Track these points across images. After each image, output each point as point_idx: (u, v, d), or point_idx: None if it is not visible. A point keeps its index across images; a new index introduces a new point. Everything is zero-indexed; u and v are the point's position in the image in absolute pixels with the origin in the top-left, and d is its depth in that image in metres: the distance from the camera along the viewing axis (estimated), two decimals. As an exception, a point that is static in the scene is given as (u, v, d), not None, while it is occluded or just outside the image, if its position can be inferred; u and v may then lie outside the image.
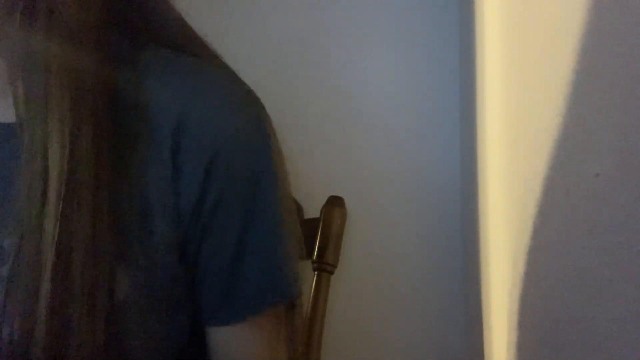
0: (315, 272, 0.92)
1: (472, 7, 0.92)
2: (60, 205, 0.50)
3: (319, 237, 0.93)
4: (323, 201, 0.96)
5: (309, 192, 0.96)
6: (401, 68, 1.05)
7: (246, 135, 0.58)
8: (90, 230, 0.51)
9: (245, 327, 0.59)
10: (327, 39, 1.05)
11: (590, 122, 0.49)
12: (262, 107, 0.60)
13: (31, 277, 0.50)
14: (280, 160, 0.60)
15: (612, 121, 0.45)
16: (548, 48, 0.59)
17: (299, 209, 0.93)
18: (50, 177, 0.50)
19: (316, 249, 0.93)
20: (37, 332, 0.49)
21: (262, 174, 0.58)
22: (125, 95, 0.55)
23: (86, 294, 0.50)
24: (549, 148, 0.57)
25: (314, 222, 0.94)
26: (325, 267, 0.92)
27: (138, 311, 0.54)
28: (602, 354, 0.47)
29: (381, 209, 1.05)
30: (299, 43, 1.05)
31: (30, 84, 0.51)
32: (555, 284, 0.58)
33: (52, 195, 0.50)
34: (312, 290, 0.92)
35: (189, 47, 0.61)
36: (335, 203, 0.95)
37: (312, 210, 0.94)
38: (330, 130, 1.05)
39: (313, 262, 0.93)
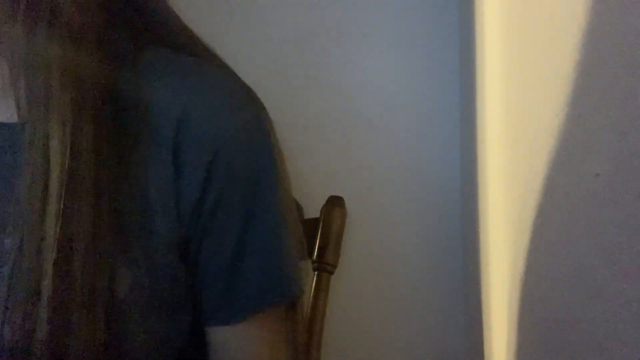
0: (315, 272, 0.92)
1: (472, 7, 0.92)
2: (61, 205, 0.50)
3: (319, 237, 0.93)
4: (323, 201, 0.96)
5: (309, 192, 0.96)
6: (401, 68, 1.05)
7: (246, 134, 0.58)
8: (91, 230, 0.51)
9: (245, 327, 0.59)
10: (327, 39, 1.05)
11: (590, 122, 0.49)
12: (262, 107, 0.61)
13: (32, 277, 0.50)
14: (280, 160, 0.60)
15: (612, 121, 0.45)
16: (548, 48, 0.59)
17: (299, 209, 0.92)
18: (51, 177, 0.50)
19: (316, 249, 0.93)
20: (38, 331, 0.49)
21: (263, 173, 0.58)
22: (126, 95, 0.55)
23: (87, 294, 0.51)
24: (549, 148, 0.57)
25: (314, 222, 0.94)
26: (325, 267, 0.92)
27: (138, 311, 0.54)
28: (602, 354, 0.47)
29: (381, 209, 1.05)
30: (299, 43, 1.05)
31: (32, 83, 0.51)
32: (555, 284, 0.58)
33: (53, 194, 0.50)
34: (312, 290, 0.92)
35: (188, 47, 0.61)
36: (335, 203, 0.95)
37: (312, 210, 0.94)
38: (330, 130, 1.05)
39: (313, 262, 0.93)
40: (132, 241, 0.54)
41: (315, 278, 0.92)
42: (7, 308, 0.50)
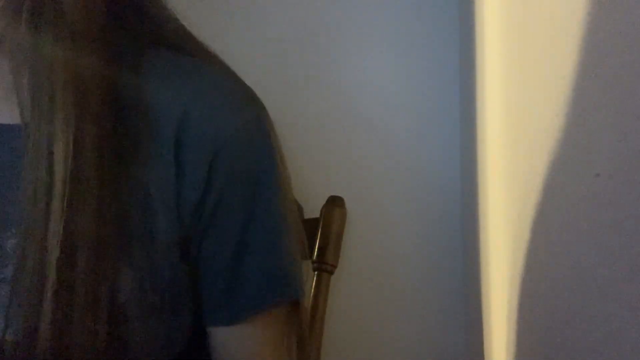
0: (315, 272, 0.92)
1: (472, 7, 0.92)
2: (65, 205, 0.50)
3: (319, 237, 0.93)
4: (323, 201, 0.96)
5: (309, 192, 0.96)
6: (401, 68, 1.05)
7: (247, 135, 0.58)
8: (95, 230, 0.51)
9: (246, 327, 0.59)
10: (327, 39, 1.05)
11: (590, 122, 0.49)
12: (263, 107, 0.61)
13: (36, 278, 0.50)
14: (281, 160, 0.60)
15: (612, 121, 0.45)
16: (548, 48, 0.59)
17: (299, 209, 0.92)
18: (55, 177, 0.50)
19: (316, 249, 0.93)
20: (42, 333, 0.49)
21: (263, 173, 0.59)
22: (128, 96, 0.55)
23: (90, 294, 0.51)
24: (549, 148, 0.57)
25: (314, 222, 0.94)
26: (325, 267, 0.92)
27: (140, 311, 0.54)
28: (602, 354, 0.47)
29: (381, 209, 1.05)
30: (298, 43, 1.05)
31: (36, 84, 0.51)
32: (555, 284, 0.58)
33: (56, 195, 0.50)
34: (312, 290, 0.92)
35: (188, 47, 0.61)
36: (335, 203, 0.95)
37: (312, 210, 0.94)
38: (330, 130, 1.05)
39: (313, 262, 0.93)
40: (133, 242, 0.54)
41: (315, 278, 0.92)
42: (10, 309, 0.50)
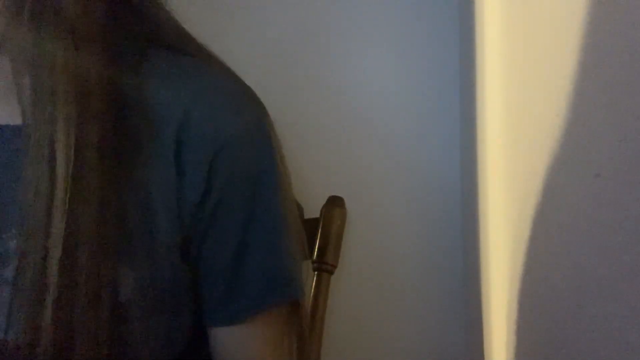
0: (315, 272, 0.92)
1: (472, 7, 0.92)
2: (67, 205, 0.50)
3: (319, 237, 0.93)
4: (323, 201, 0.96)
5: (309, 192, 0.96)
6: (401, 68, 1.05)
7: (248, 135, 0.58)
8: (96, 230, 0.51)
9: (246, 328, 0.59)
10: (327, 38, 1.05)
11: (590, 122, 0.49)
12: (263, 108, 0.61)
13: (37, 278, 0.50)
14: (281, 160, 0.61)
15: (612, 121, 0.45)
16: (548, 48, 0.59)
17: (299, 209, 0.93)
18: (56, 178, 0.50)
19: (316, 249, 0.93)
20: (44, 333, 0.49)
21: (264, 173, 0.59)
22: (129, 96, 0.55)
23: (91, 294, 0.51)
24: (549, 148, 0.57)
25: (314, 222, 0.94)
26: (325, 267, 0.92)
27: (141, 311, 0.54)
28: (602, 353, 0.47)
29: (381, 209, 1.05)
30: (298, 43, 1.05)
31: (37, 85, 0.51)
32: (555, 284, 0.58)
33: (59, 195, 0.50)
34: (312, 290, 0.92)
35: (187, 48, 0.61)
36: (335, 203, 0.95)
37: (312, 210, 0.94)
38: (330, 130, 1.05)
39: (313, 262, 0.93)
40: (135, 242, 0.54)
41: (315, 278, 0.92)
42: (11, 310, 0.50)
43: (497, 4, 0.78)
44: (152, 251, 0.55)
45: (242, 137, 0.58)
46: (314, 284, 0.92)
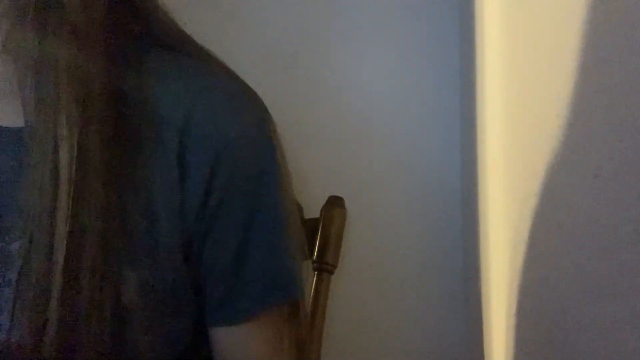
0: (315, 272, 0.92)
1: (472, 7, 0.92)
2: (71, 206, 0.50)
3: (319, 237, 0.93)
4: (323, 201, 0.96)
5: (309, 192, 0.96)
6: (401, 68, 1.05)
7: (250, 136, 0.58)
8: (100, 231, 0.51)
9: (247, 327, 0.59)
10: (327, 38, 1.05)
11: (590, 122, 0.49)
12: (265, 108, 0.61)
13: (41, 279, 0.50)
14: (283, 161, 0.61)
15: (612, 121, 0.45)
16: (548, 48, 0.59)
17: (299, 209, 0.92)
18: (60, 179, 0.50)
19: (316, 249, 0.93)
20: (48, 333, 0.50)
21: (265, 173, 0.59)
22: (131, 97, 0.55)
23: (95, 295, 0.51)
24: (549, 148, 0.57)
25: (314, 222, 0.94)
26: (325, 267, 0.92)
27: (143, 312, 0.54)
28: (601, 353, 0.47)
29: (381, 209, 1.05)
30: (298, 43, 1.05)
31: (40, 85, 0.52)
32: (555, 283, 0.58)
33: (62, 196, 0.50)
34: (312, 290, 0.92)
35: (188, 50, 0.61)
36: (335, 203, 0.95)
37: (312, 210, 0.94)
38: (330, 131, 1.05)
39: (313, 262, 0.93)
40: (137, 243, 0.54)
41: (315, 278, 0.92)
42: (15, 311, 0.51)
43: (497, 4, 0.78)
44: (154, 252, 0.55)
45: (243, 138, 0.58)
46: (314, 284, 0.92)
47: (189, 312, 0.58)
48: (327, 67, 1.05)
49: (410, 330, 1.05)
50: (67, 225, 0.50)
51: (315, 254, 0.93)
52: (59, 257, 0.50)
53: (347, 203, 0.96)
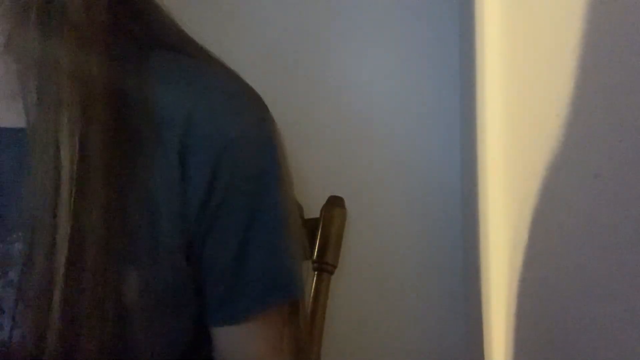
0: (315, 272, 0.92)
1: (472, 7, 0.92)
2: (72, 206, 0.50)
3: (319, 237, 0.93)
4: (323, 201, 0.96)
5: (309, 192, 0.96)
6: (401, 68, 1.05)
7: (251, 135, 0.58)
8: (102, 232, 0.51)
9: (247, 327, 0.59)
10: (327, 39, 1.05)
11: (590, 122, 0.49)
12: (265, 107, 0.61)
13: (44, 280, 0.50)
14: (283, 161, 0.61)
15: (612, 121, 0.45)
16: (548, 48, 0.59)
17: (299, 209, 0.93)
18: (61, 180, 0.50)
19: (316, 249, 0.93)
20: (49, 334, 0.50)
21: (266, 174, 0.59)
22: (132, 98, 0.55)
23: (97, 295, 0.51)
24: (549, 148, 0.57)
25: (314, 222, 0.94)
26: (325, 267, 0.92)
27: (144, 312, 0.54)
28: (601, 353, 0.47)
29: (381, 209, 1.05)
30: (298, 43, 1.05)
31: (42, 87, 0.52)
32: (554, 283, 0.58)
33: (64, 196, 0.50)
34: (312, 290, 0.92)
35: (189, 50, 0.61)
36: (335, 203, 0.95)
37: (312, 210, 0.94)
38: (330, 130, 1.05)
39: (313, 262, 0.93)
40: (139, 243, 0.54)
41: (315, 278, 0.92)
42: (16, 312, 0.51)
43: (497, 4, 0.78)
44: (155, 253, 0.55)
45: (244, 138, 0.58)
46: (314, 284, 0.92)
47: (189, 312, 0.58)
48: (327, 67, 1.05)
49: (410, 330, 1.05)
50: (69, 225, 0.50)
51: (315, 254, 0.93)
52: (61, 257, 0.50)
53: (347, 203, 0.96)
